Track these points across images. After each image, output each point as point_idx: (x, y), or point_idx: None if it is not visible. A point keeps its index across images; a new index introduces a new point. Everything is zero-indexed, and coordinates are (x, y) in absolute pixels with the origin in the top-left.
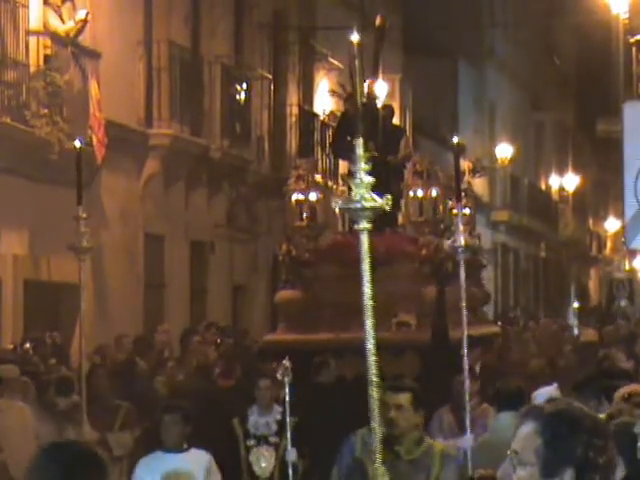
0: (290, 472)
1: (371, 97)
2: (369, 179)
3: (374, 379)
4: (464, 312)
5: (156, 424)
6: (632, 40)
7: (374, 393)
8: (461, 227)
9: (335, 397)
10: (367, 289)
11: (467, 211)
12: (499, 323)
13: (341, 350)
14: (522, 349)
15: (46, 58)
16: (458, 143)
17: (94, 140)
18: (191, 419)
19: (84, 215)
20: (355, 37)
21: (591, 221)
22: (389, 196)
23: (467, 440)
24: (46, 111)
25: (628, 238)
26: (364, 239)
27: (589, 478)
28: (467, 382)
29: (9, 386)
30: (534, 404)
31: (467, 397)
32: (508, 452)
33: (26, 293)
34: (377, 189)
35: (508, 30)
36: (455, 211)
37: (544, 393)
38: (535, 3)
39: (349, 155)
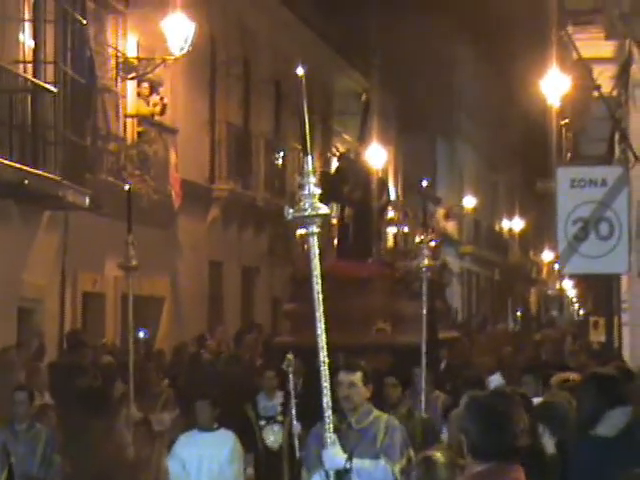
0: (296, 442)
1: (359, 156)
2: (317, 190)
3: (325, 360)
4: (424, 319)
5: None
6: (562, 123)
7: (325, 373)
8: (425, 252)
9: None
10: (316, 284)
11: (433, 243)
12: (463, 327)
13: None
14: (479, 347)
15: (138, 134)
16: (428, 187)
17: (173, 193)
18: (218, 403)
19: (134, 241)
20: (300, 71)
21: (532, 253)
22: (333, 206)
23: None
24: (138, 172)
25: (561, 266)
26: (314, 242)
27: (475, 443)
28: (423, 373)
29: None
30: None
31: (423, 384)
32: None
33: (123, 304)
34: (364, 227)
35: (472, 113)
36: (419, 240)
37: (492, 380)
38: (492, 93)
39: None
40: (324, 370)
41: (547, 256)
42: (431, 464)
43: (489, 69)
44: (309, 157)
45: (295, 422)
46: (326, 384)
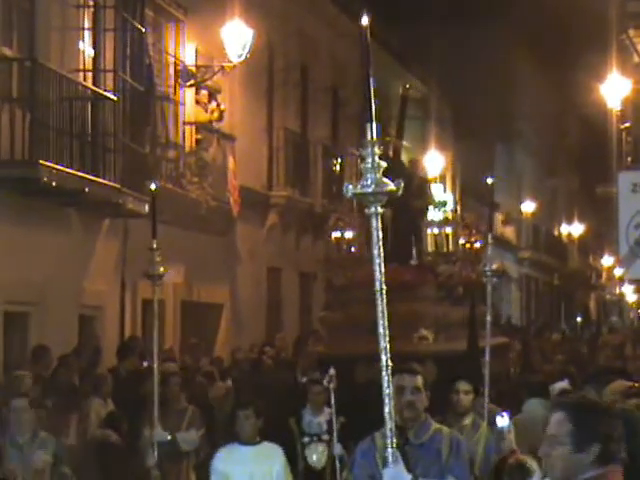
0: (337, 464)
1: (397, 154)
2: (382, 163)
3: (388, 363)
4: (488, 325)
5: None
6: (622, 127)
7: (387, 377)
8: (490, 254)
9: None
10: (378, 270)
11: (478, 244)
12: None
13: (371, 359)
14: (541, 352)
15: (197, 141)
16: (493, 183)
17: (231, 200)
18: (262, 414)
19: (158, 247)
20: (365, 21)
21: (591, 258)
22: (401, 181)
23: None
24: (196, 179)
25: (625, 271)
26: (377, 225)
27: (612, 449)
28: (487, 385)
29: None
30: (560, 397)
31: (486, 399)
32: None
33: (182, 311)
34: (404, 228)
35: (530, 118)
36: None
37: (558, 386)
38: (550, 98)
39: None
40: (387, 375)
41: (607, 261)
42: (526, 471)
43: (547, 74)
44: (373, 124)
45: (337, 443)
46: (388, 391)
